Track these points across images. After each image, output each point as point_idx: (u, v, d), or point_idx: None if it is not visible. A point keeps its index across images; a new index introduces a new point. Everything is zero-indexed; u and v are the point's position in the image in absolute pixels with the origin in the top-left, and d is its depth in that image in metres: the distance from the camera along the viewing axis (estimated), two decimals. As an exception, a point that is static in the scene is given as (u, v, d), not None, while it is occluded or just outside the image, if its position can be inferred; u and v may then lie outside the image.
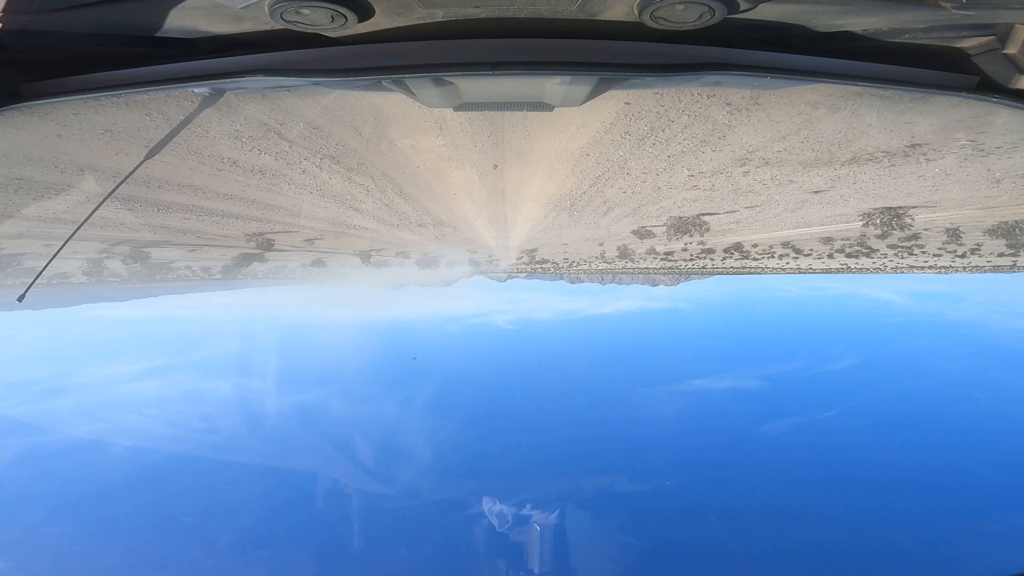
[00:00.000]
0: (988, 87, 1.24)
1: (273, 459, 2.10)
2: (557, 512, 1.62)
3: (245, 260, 2.27)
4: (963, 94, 1.23)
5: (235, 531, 1.85)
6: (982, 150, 1.58)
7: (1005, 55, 1.18)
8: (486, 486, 1.80)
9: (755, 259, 2.31)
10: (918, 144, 1.58)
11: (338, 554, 1.73)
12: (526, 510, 1.60)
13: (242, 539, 1.80)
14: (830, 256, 2.26)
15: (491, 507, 1.60)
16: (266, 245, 2.19)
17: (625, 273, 2.41)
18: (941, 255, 2.18)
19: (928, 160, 1.64)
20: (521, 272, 2.37)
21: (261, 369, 2.34)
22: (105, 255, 2.18)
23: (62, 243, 1.81)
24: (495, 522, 1.60)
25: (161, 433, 2.14)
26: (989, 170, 1.67)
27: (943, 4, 1.04)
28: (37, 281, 1.75)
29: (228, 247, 2.20)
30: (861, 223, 1.99)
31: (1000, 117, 1.42)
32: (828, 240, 2.17)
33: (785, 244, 2.22)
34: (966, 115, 1.46)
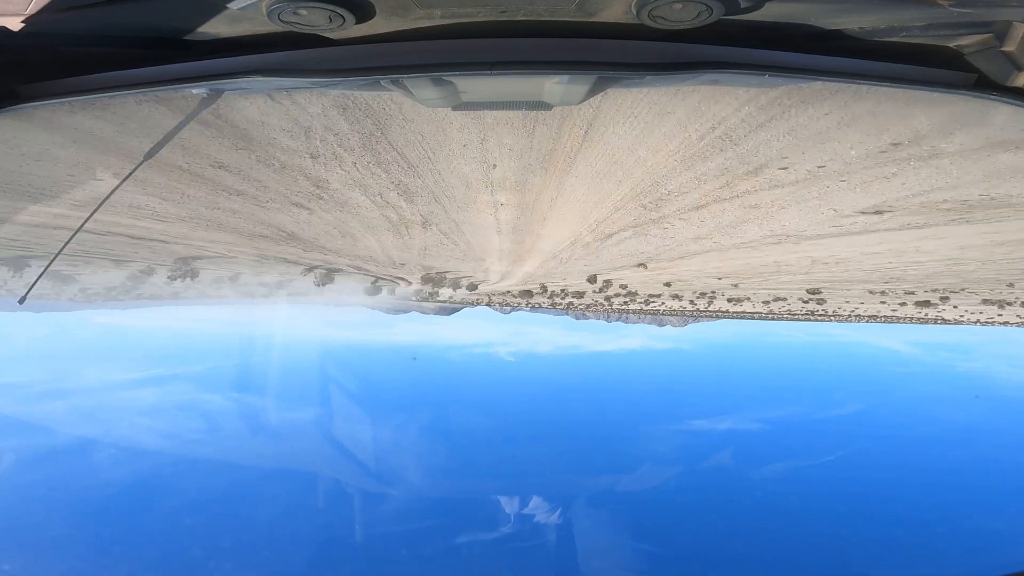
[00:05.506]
0: (986, 84, 1.23)
1: (276, 464, 2.09)
2: (559, 512, 1.62)
3: (243, 276, 2.26)
4: (961, 92, 1.23)
5: (236, 533, 1.84)
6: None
7: (1003, 52, 1.17)
8: (487, 492, 1.80)
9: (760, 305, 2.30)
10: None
11: (344, 554, 1.73)
12: (530, 507, 1.60)
13: (255, 540, 1.80)
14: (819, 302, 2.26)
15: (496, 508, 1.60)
16: (263, 263, 2.17)
17: (632, 312, 2.37)
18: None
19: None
20: (528, 306, 2.33)
21: (261, 385, 2.32)
22: (105, 262, 2.17)
23: (62, 245, 1.81)
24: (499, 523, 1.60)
25: (150, 441, 2.12)
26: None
27: (940, 2, 1.04)
28: (37, 284, 1.75)
29: (232, 264, 2.19)
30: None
31: (1000, 115, 1.42)
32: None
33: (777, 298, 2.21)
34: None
